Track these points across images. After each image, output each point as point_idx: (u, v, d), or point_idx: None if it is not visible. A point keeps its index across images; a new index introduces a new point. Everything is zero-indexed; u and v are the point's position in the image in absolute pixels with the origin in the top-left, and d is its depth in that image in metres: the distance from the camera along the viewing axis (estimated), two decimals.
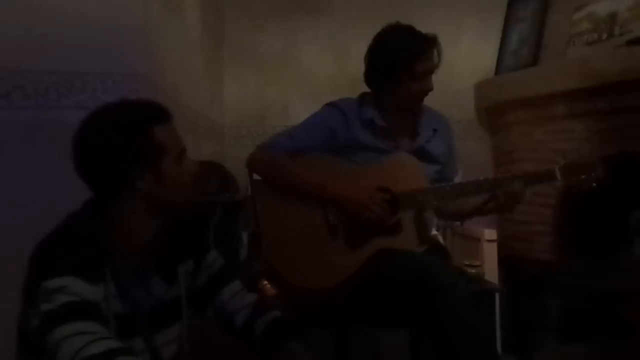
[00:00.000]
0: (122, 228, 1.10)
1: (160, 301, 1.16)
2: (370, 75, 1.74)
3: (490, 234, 2.48)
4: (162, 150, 1.08)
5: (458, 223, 2.64)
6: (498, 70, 3.04)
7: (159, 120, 1.10)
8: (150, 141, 1.07)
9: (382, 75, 1.69)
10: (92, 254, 1.03)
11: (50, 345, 0.95)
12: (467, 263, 2.10)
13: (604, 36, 2.45)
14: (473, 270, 2.05)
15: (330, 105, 1.76)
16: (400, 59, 1.63)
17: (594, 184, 1.56)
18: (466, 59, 3.14)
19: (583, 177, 1.56)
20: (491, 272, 2.38)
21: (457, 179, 1.84)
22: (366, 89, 1.78)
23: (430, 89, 1.68)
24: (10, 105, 1.65)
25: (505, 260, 2.59)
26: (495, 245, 2.47)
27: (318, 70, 3.13)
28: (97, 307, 1.01)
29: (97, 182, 1.10)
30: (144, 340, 1.11)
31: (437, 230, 2.35)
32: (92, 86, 1.70)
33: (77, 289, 0.99)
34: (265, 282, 1.95)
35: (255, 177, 1.73)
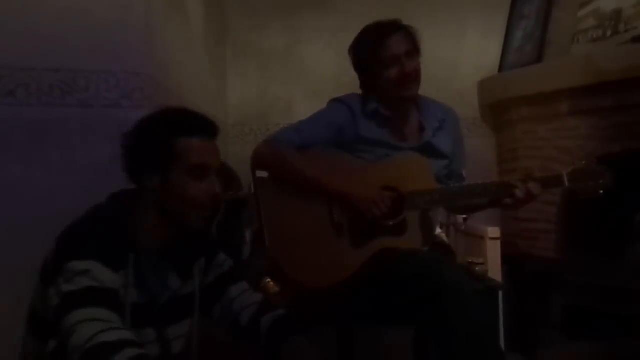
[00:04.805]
0: (141, 223, 1.14)
1: (174, 295, 1.20)
2: (359, 78, 1.77)
3: (493, 231, 2.48)
4: (176, 158, 1.11)
5: (461, 221, 2.63)
6: (502, 67, 3.03)
7: (189, 131, 1.13)
8: (167, 147, 1.11)
9: (361, 73, 1.74)
10: (117, 241, 1.07)
11: (65, 327, 0.99)
12: (470, 261, 2.09)
13: (609, 33, 2.44)
14: (477, 268, 2.05)
15: (337, 100, 1.76)
16: (366, 51, 1.69)
17: (601, 191, 1.56)
18: (470, 56, 3.13)
19: (590, 184, 1.56)
20: (495, 269, 2.38)
21: (464, 174, 1.84)
22: None
23: (408, 71, 1.65)
24: (15, 103, 1.66)
25: (510, 258, 2.59)
26: (498, 242, 2.47)
27: (321, 68, 3.12)
28: (115, 295, 1.05)
29: (125, 170, 1.16)
30: (155, 331, 1.15)
31: (440, 228, 2.35)
32: (95, 84, 1.70)
33: (99, 274, 1.03)
34: (269, 280, 1.95)
35: (259, 174, 1.73)
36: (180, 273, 1.21)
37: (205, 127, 1.16)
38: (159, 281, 1.17)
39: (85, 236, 1.06)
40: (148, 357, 1.02)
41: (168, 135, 1.12)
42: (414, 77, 1.67)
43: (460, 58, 3.13)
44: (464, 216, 2.58)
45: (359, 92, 1.79)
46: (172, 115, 1.17)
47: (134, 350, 0.98)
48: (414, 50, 1.68)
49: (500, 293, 2.24)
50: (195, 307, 1.23)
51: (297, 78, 3.16)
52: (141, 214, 1.15)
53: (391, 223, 1.59)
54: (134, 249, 1.10)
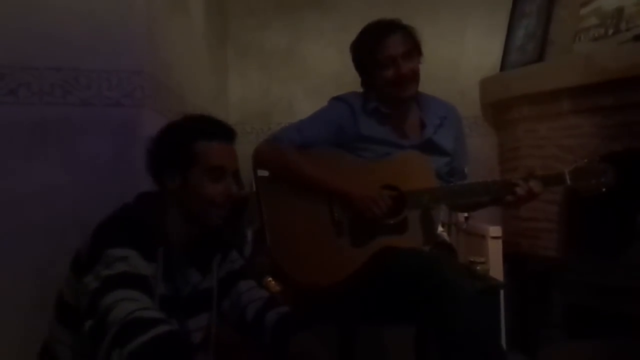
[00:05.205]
0: (165, 222, 1.23)
1: (195, 290, 1.28)
2: (359, 76, 1.78)
3: (495, 230, 2.48)
4: (195, 161, 1.21)
5: (463, 220, 2.63)
6: (503, 66, 3.03)
7: (207, 136, 1.22)
8: (187, 150, 1.20)
9: (360, 71, 1.75)
10: (149, 235, 1.15)
11: (105, 304, 1.04)
12: (472, 260, 2.09)
13: (611, 31, 2.43)
14: (478, 267, 2.05)
15: (337, 99, 1.76)
16: (364, 51, 1.70)
17: (603, 189, 1.55)
18: (471, 54, 3.12)
19: (593, 181, 1.56)
20: (496, 268, 2.38)
21: (466, 170, 1.84)
22: None
23: (404, 72, 1.65)
24: (16, 102, 1.66)
25: (511, 257, 2.59)
26: (500, 242, 2.47)
27: (323, 67, 3.12)
28: (148, 282, 1.11)
29: (148, 172, 1.26)
30: (178, 323, 1.20)
31: (442, 227, 2.34)
32: (97, 83, 1.70)
33: (136, 261, 1.10)
34: (270, 279, 1.95)
35: (260, 173, 1.73)
36: (200, 268, 1.29)
37: (222, 131, 1.26)
38: (182, 276, 1.26)
39: (122, 227, 1.14)
40: (180, 335, 1.08)
41: (188, 140, 1.22)
42: (410, 78, 1.66)
43: (461, 57, 3.12)
44: (465, 215, 2.58)
45: (361, 90, 1.79)
46: (192, 121, 1.27)
47: (168, 326, 1.04)
48: (413, 51, 1.67)
49: (502, 292, 2.25)
50: (213, 301, 1.30)
51: (298, 77, 3.16)
52: (165, 213, 1.23)
53: (392, 222, 1.59)
54: (161, 245, 1.18)
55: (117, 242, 1.10)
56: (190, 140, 1.22)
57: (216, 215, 1.24)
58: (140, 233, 1.14)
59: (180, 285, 1.24)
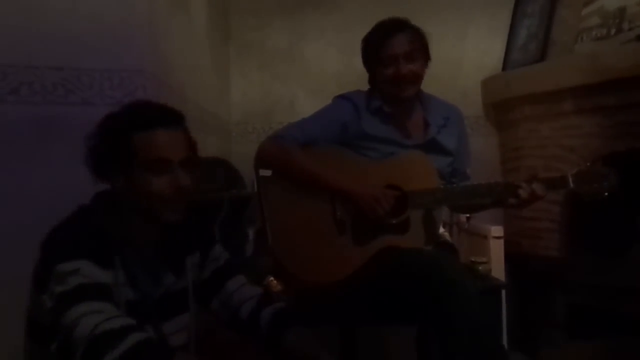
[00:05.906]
0: (125, 222, 1.14)
1: (168, 291, 1.19)
2: (367, 72, 1.79)
3: (497, 230, 2.48)
4: (134, 156, 1.09)
5: (464, 220, 2.63)
6: (506, 66, 3.02)
7: (143, 126, 1.09)
8: (124, 146, 1.09)
9: (366, 67, 1.76)
10: (102, 241, 1.07)
11: (66, 323, 0.99)
12: (473, 260, 2.09)
13: (613, 31, 2.43)
14: (480, 267, 2.05)
15: (341, 97, 1.76)
16: (369, 48, 1.72)
17: (606, 194, 1.55)
18: (474, 54, 3.12)
19: (595, 186, 1.56)
20: (498, 268, 2.38)
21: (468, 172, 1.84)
22: None
23: (403, 72, 1.65)
24: (18, 101, 1.66)
25: (513, 257, 2.58)
26: (502, 242, 2.47)
27: (324, 67, 3.12)
28: (108, 289, 1.05)
29: (92, 173, 1.15)
30: (152, 327, 1.14)
31: (443, 227, 2.34)
32: (98, 82, 1.70)
33: (89, 271, 1.02)
34: (271, 278, 1.95)
35: (262, 172, 1.73)
36: (173, 269, 1.21)
37: (159, 118, 1.11)
38: (150, 279, 1.17)
39: (70, 238, 1.06)
40: (154, 341, 1.03)
41: (123, 134, 1.09)
42: (410, 79, 1.66)
43: (463, 57, 3.12)
44: (467, 215, 2.58)
45: (363, 89, 1.79)
46: (126, 112, 1.14)
47: (139, 334, 0.99)
48: (416, 52, 1.67)
49: (503, 292, 2.24)
50: (190, 301, 1.23)
51: (299, 76, 3.16)
52: (122, 214, 1.14)
53: (394, 221, 1.59)
54: (119, 249, 1.10)
55: (66, 256, 1.02)
56: (125, 134, 1.09)
57: (169, 210, 1.12)
58: (92, 240, 1.05)
59: (147, 288, 1.15)
